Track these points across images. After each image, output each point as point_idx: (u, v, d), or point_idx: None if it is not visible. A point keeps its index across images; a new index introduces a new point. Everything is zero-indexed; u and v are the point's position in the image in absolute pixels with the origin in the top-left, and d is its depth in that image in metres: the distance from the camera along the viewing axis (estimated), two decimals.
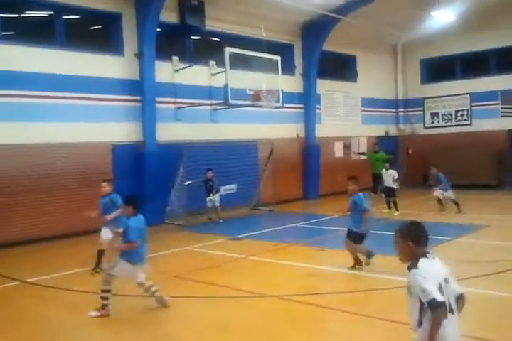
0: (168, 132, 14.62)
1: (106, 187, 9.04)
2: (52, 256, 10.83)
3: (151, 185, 13.90)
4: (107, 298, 6.73)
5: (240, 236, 12.11)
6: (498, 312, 6.53)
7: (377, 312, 6.56)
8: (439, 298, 3.25)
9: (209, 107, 15.92)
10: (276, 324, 6.46)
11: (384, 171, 15.27)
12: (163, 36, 14.92)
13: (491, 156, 20.94)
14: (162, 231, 13.33)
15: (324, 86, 20.43)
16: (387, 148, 21.26)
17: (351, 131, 21.67)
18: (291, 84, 18.63)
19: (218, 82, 15.08)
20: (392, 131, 24.22)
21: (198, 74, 15.73)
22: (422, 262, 3.47)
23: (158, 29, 14.37)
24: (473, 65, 22.64)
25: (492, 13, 20.08)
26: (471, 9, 19.23)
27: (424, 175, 22.40)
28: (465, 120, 22.64)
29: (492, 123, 21.56)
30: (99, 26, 14.68)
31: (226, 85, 13.99)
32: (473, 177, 20.48)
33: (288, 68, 18.32)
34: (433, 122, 23.60)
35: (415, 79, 24.32)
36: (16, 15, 12.98)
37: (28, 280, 8.64)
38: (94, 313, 6.69)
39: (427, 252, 3.59)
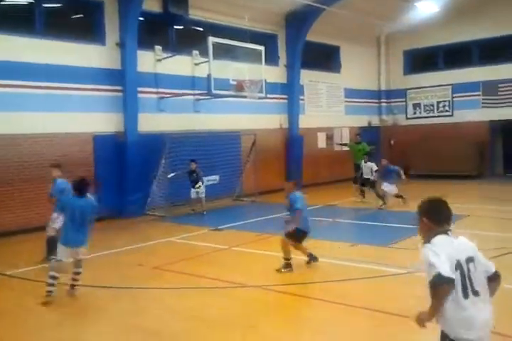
0: (151, 122, 14.53)
1: (54, 173, 9.05)
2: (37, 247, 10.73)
3: (133, 176, 13.85)
4: (52, 285, 6.88)
5: (222, 227, 12.11)
6: None
7: (358, 302, 6.65)
8: (446, 273, 3.08)
9: (192, 97, 15.84)
10: (258, 314, 6.52)
11: (363, 163, 15.38)
12: (146, 25, 14.77)
13: (472, 147, 21.20)
14: (143, 223, 13.32)
15: (308, 76, 20.43)
16: (370, 138, 21.36)
17: (334, 122, 21.74)
18: (275, 74, 18.60)
19: (201, 72, 15.01)
20: (375, 121, 24.36)
21: (180, 64, 15.62)
22: (437, 238, 3.34)
23: (140, 18, 14.21)
24: (456, 56, 22.84)
25: (474, 4, 20.25)
26: (454, 0, 19.34)
27: (405, 165, 22.65)
28: (447, 111, 22.86)
29: (473, 114, 21.79)
30: (81, 15, 14.48)
31: (209, 75, 13.92)
32: (454, 167, 20.75)
33: (271, 58, 18.27)
34: (415, 113, 23.79)
35: (398, 70, 24.43)
36: None
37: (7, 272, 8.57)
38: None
39: (448, 230, 3.45)
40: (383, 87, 24.71)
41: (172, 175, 14.04)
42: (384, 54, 24.56)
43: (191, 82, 15.80)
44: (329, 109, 21.80)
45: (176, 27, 16.27)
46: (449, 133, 21.77)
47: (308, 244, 9.92)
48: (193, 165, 14.20)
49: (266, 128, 18.23)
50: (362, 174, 15.46)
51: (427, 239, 3.37)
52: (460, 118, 22.16)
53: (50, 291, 6.87)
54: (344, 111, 22.52)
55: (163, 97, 15.11)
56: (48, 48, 12.70)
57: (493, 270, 3.43)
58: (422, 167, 21.74)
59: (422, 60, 24.05)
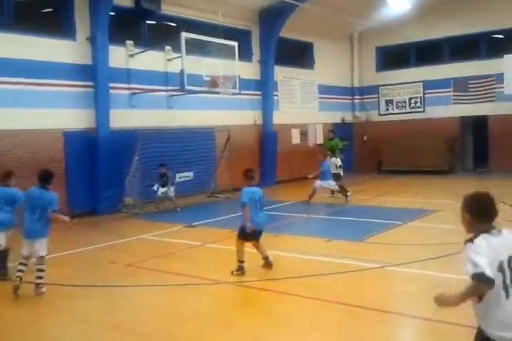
0: (123, 119, 14.33)
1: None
2: None
3: (105, 173, 13.65)
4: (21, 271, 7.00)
5: (196, 223, 12.01)
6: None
7: (333, 296, 6.69)
8: (488, 273, 2.98)
9: (165, 93, 15.69)
10: (233, 310, 6.52)
11: (328, 159, 15.47)
12: (117, 20, 14.51)
13: (443, 142, 21.51)
14: (116, 220, 13.15)
15: (282, 73, 20.44)
16: (343, 135, 21.57)
17: (308, 118, 21.82)
18: (249, 70, 18.55)
19: (174, 67, 14.87)
20: (348, 118, 24.52)
21: (153, 60, 15.45)
22: (480, 238, 3.19)
23: (111, 13, 14.00)
24: (427, 53, 23.12)
25: (446, 2, 20.50)
26: None
27: (378, 161, 22.94)
28: (418, 107, 23.14)
29: (444, 110, 22.11)
30: (50, 9, 14.18)
31: (182, 71, 13.80)
32: (426, 162, 21.06)
33: (245, 54, 18.21)
34: (387, 109, 24.02)
35: (371, 66, 24.62)
36: None
37: None
38: None
39: (493, 228, 3.28)
40: (356, 84, 24.88)
41: (155, 187, 13.99)
42: (357, 51, 24.71)
43: (164, 78, 15.65)
44: (303, 105, 21.86)
45: (148, 22, 16.06)
46: (421, 129, 22.05)
47: (282, 239, 9.99)
48: (163, 170, 13.99)
49: (240, 125, 18.17)
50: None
51: (471, 236, 3.25)
52: (431, 115, 22.47)
53: (17, 285, 6.86)
54: (318, 108, 22.60)
55: (135, 93, 14.93)
56: (16, 43, 12.40)
57: None
58: (395, 162, 22.01)
59: (394, 57, 24.27)
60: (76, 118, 13.58)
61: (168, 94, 15.76)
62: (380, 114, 24.29)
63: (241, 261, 7.79)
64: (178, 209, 14.10)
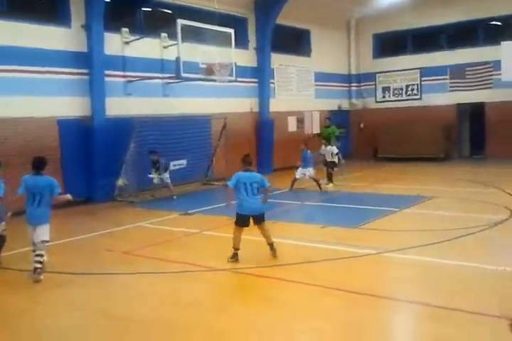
0: (118, 107, 14.26)
1: None
2: None
3: (101, 161, 13.58)
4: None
5: (192, 211, 12.00)
6: (446, 280, 6.79)
7: (330, 282, 6.73)
8: None
9: (160, 81, 15.60)
10: (230, 297, 6.56)
11: (323, 147, 15.47)
12: (113, 7, 14.37)
13: (439, 129, 21.52)
14: (112, 208, 13.13)
15: (278, 60, 20.34)
16: (340, 122, 21.52)
17: (305, 106, 21.75)
18: (245, 58, 18.45)
19: (170, 55, 14.78)
20: (345, 105, 24.46)
21: (148, 47, 15.34)
22: None
23: (107, 0, 13.87)
24: (424, 40, 23.01)
25: None
26: None
27: (374, 148, 22.95)
28: (415, 94, 23.09)
29: (441, 97, 22.09)
30: None
31: (178, 58, 13.73)
32: (422, 150, 21.08)
33: (241, 42, 18.11)
34: (384, 96, 23.96)
35: (368, 53, 24.52)
36: None
37: None
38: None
39: None
40: (353, 71, 24.78)
41: (151, 175, 13.91)
42: (354, 38, 24.58)
43: (160, 65, 15.56)
44: (299, 92, 21.78)
45: (143, 9, 15.94)
46: (418, 117, 22.05)
47: (278, 227, 10.01)
48: (155, 157, 13.87)
49: (236, 112, 18.11)
50: (325, 158, 15.48)
51: None
52: (428, 102, 22.44)
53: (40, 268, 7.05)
54: (314, 95, 22.53)
55: (131, 81, 14.85)
56: (11, 30, 12.29)
57: None
58: (391, 150, 22.02)
59: (391, 44, 24.16)
60: (71, 106, 13.51)
61: (164, 82, 15.68)
62: (376, 101, 24.24)
63: (235, 248, 7.79)
64: (175, 198, 14.09)
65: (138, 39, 14.89)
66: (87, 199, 13.47)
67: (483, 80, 21.09)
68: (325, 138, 16.62)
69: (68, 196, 7.46)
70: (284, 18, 19.39)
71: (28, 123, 12.58)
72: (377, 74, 24.05)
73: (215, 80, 15.13)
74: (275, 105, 19.86)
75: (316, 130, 21.17)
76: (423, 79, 22.78)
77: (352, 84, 24.78)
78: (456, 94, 21.80)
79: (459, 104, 21.86)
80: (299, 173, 14.69)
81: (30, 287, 6.96)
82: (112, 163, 13.61)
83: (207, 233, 9.96)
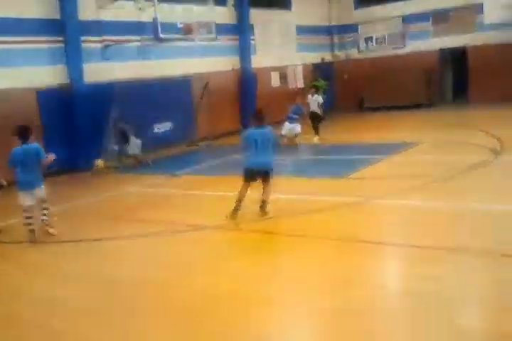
0: (97, 73, 14.03)
1: None
2: None
3: (83, 129, 13.42)
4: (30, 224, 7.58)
5: (179, 172, 11.98)
6: (433, 221, 6.97)
7: (324, 232, 6.89)
8: None
9: (139, 44, 15.29)
10: (224, 253, 6.60)
11: (309, 97, 15.32)
12: None
13: (423, 76, 21.48)
14: (97, 176, 12.87)
15: (258, 15, 19.93)
16: (324, 74, 21.40)
17: (287, 60, 21.51)
18: (224, 15, 18.13)
19: (147, 16, 14.45)
20: (328, 57, 24.22)
21: (124, 10, 14.92)
22: None
23: None
24: None
25: None
26: None
27: (360, 99, 22.91)
28: (398, 42, 22.84)
29: (424, 44, 21.91)
30: None
31: (155, 19, 13.49)
32: (407, 97, 21.09)
33: None
34: (367, 46, 23.70)
35: (348, 4, 24.07)
36: None
37: None
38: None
39: None
40: (334, 22, 24.42)
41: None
42: None
43: (137, 28, 15.20)
44: (281, 47, 21.46)
45: None
46: (401, 65, 21.89)
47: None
48: (121, 126, 13.49)
49: (218, 71, 17.93)
50: (309, 108, 15.34)
51: None
52: (411, 49, 22.25)
53: (32, 229, 7.54)
54: (296, 49, 22.25)
55: (108, 45, 14.58)
56: None
57: None
58: (376, 99, 21.99)
59: None
60: (49, 76, 13.23)
61: (142, 45, 15.39)
62: (359, 52, 24.01)
63: (238, 200, 7.72)
64: (150, 163, 13.67)
65: (113, 2, 14.52)
66: (71, 168, 13.26)
67: (466, 24, 20.87)
68: (312, 87, 16.45)
69: (52, 155, 7.69)
70: None
71: (5, 94, 12.34)
72: (359, 25, 23.70)
73: (194, 40, 14.92)
74: (257, 61, 19.66)
75: (301, 84, 21.03)
76: (405, 26, 22.45)
77: (334, 36, 24.47)
78: (439, 39, 21.61)
79: (441, 50, 21.70)
80: (285, 129, 14.61)
81: (18, 259, 7.07)
82: (94, 130, 13.47)
83: (195, 193, 10.05)
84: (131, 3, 15.10)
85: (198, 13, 14.65)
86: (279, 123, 15.09)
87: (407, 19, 22.35)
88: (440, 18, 21.43)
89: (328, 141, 14.83)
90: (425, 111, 20.10)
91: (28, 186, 7.57)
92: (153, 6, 13.48)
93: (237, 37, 19.05)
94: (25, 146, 7.52)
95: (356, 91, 22.92)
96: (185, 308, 5.00)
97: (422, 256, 5.81)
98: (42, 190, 7.73)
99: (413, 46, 22.24)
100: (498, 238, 6.04)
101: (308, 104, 15.23)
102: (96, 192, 10.83)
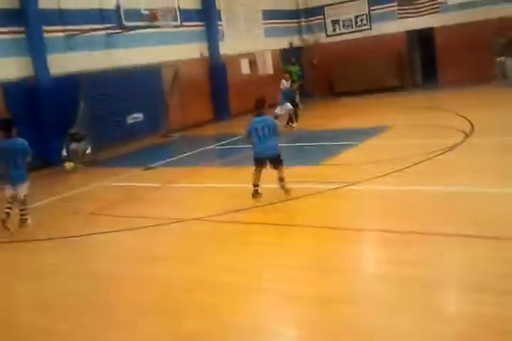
0: (62, 64, 13.55)
1: None
2: None
3: (51, 124, 12.98)
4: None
5: (153, 165, 11.79)
6: (408, 205, 7.03)
7: (301, 220, 6.94)
8: None
9: (103, 32, 14.91)
10: (205, 245, 6.47)
11: (284, 82, 15.22)
12: None
13: (392, 59, 21.55)
14: (68, 171, 12.53)
15: (223, 0, 19.63)
16: (293, 59, 21.25)
17: (256, 46, 21.20)
18: (189, 0, 17.76)
19: (110, 3, 14.07)
20: (296, 42, 24.06)
21: None
22: None
23: None
24: None
25: None
26: None
27: (330, 84, 22.89)
28: (365, 25, 22.83)
29: (391, 25, 21.93)
30: None
31: (118, 6, 13.15)
32: (376, 81, 21.12)
33: None
34: (334, 30, 23.61)
35: None
36: None
37: None
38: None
39: None
40: (301, 6, 24.23)
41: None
42: None
43: (100, 16, 14.80)
44: (249, 33, 21.19)
45: None
46: (369, 48, 21.89)
47: (241, 172, 10.03)
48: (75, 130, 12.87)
49: (186, 58, 17.60)
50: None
51: None
52: (378, 31, 22.26)
53: (8, 213, 7.52)
54: (264, 34, 22.01)
55: (71, 35, 14.12)
56: None
57: None
58: (347, 84, 21.97)
59: None
60: (12, 68, 12.78)
61: (106, 33, 14.98)
62: (327, 36, 23.91)
63: (254, 185, 8.02)
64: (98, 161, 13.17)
65: None
66: (41, 164, 12.87)
67: (431, 5, 20.95)
68: (288, 72, 16.36)
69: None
70: None
71: None
72: (326, 7, 23.58)
73: (159, 27, 14.60)
74: (225, 48, 19.37)
75: (270, 70, 20.84)
76: (371, 8, 22.48)
77: (301, 20, 24.29)
78: (406, 21, 21.66)
79: (408, 32, 21.77)
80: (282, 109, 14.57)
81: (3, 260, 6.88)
82: (62, 123, 13.04)
83: (171, 185, 9.91)
84: None
85: None
86: (252, 112, 14.92)
87: (372, 1, 22.32)
88: None
89: (301, 127, 14.78)
90: (396, 95, 20.18)
91: (14, 180, 7.62)
92: None
93: (203, 23, 18.71)
94: (10, 141, 7.54)
95: (326, 76, 22.87)
96: (169, 300, 4.98)
97: (399, 240, 5.84)
98: (23, 188, 7.74)
99: (380, 28, 22.22)
100: (474, 220, 6.08)
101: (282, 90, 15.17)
102: (68, 187, 10.57)
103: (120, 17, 13.21)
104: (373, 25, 22.55)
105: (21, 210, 7.87)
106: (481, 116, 12.29)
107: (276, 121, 8.42)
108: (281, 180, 8.03)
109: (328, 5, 23.49)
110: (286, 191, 8.00)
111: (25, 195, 7.80)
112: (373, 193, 7.83)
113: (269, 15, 22.13)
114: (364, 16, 22.75)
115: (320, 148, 11.94)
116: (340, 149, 11.07)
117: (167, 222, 7.48)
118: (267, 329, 4.39)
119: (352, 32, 23.11)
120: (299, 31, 24.28)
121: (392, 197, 7.51)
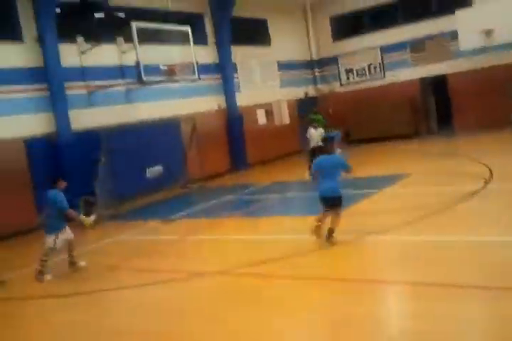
0: (83, 119, 13.93)
1: None
2: None
3: (74, 180, 13.12)
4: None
5: (173, 217, 11.81)
6: (430, 256, 6.88)
7: (317, 273, 6.83)
8: None
9: (123, 88, 15.37)
10: (223, 300, 6.42)
11: (312, 130, 15.17)
12: (64, 17, 14.06)
13: (406, 106, 21.69)
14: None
15: (239, 53, 20.17)
16: (309, 109, 21.53)
17: (271, 97, 21.55)
18: (206, 54, 18.31)
19: (129, 59, 14.56)
20: (311, 91, 24.47)
21: (106, 54, 15.04)
22: None
23: (57, 10, 13.55)
24: (381, 17, 23.05)
25: None
26: None
27: (345, 132, 23.01)
28: (378, 73, 23.18)
29: (404, 73, 22.23)
30: None
31: (138, 62, 13.57)
32: (392, 128, 21.21)
33: (200, 38, 17.90)
34: (348, 78, 24.01)
35: (327, 37, 24.48)
36: None
37: None
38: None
39: None
40: (314, 56, 24.79)
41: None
42: (311, 22, 24.51)
43: (120, 72, 15.31)
44: (264, 84, 21.63)
45: (96, 15, 15.59)
46: (384, 95, 22.14)
47: (262, 222, 9.98)
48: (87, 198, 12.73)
49: (204, 111, 17.96)
50: (310, 143, 15.17)
51: None
52: (392, 79, 22.57)
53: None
54: (280, 85, 22.48)
55: (92, 91, 14.58)
56: None
57: None
58: (362, 131, 22.10)
59: (348, 25, 24.14)
60: (35, 124, 13.09)
61: (126, 88, 15.44)
62: (341, 85, 24.30)
63: (318, 220, 8.07)
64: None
65: (94, 47, 14.60)
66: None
67: (443, 51, 21.29)
68: (313, 121, 16.43)
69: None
70: (240, 10, 19.27)
71: None
72: (339, 57, 24.10)
73: (177, 81, 14.99)
74: (242, 99, 19.76)
75: (286, 120, 21.08)
76: (384, 56, 22.90)
77: (315, 70, 24.79)
78: (419, 68, 21.95)
79: (421, 78, 22.03)
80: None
81: (15, 316, 6.83)
82: (84, 178, 13.10)
83: (190, 238, 9.85)
84: (113, 46, 15.27)
85: (180, 53, 14.78)
86: (271, 161, 15.06)
87: (384, 49, 22.78)
88: (417, 46, 21.88)
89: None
90: (412, 142, 20.17)
91: (46, 230, 8.27)
92: (135, 48, 13.54)
93: (220, 76, 19.19)
94: (50, 191, 8.28)
95: (341, 124, 22.99)
96: None
97: (419, 293, 5.72)
98: (47, 238, 8.13)
99: (393, 76, 22.53)
100: (495, 271, 5.93)
101: (308, 139, 15.17)
102: (88, 241, 10.57)
103: (140, 72, 13.59)
104: (387, 73, 22.90)
105: (40, 260, 8.15)
106: (498, 162, 12.22)
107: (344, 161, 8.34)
108: (330, 231, 7.89)
109: (341, 54, 23.99)
110: (331, 243, 7.85)
111: (48, 247, 8.12)
112: (391, 244, 7.73)
113: (284, 66, 22.66)
114: (377, 65, 23.15)
115: None
116: (358, 197, 10.99)
117: (186, 277, 7.39)
118: None
119: (366, 81, 23.47)
120: (314, 81, 24.73)
121: (410, 247, 7.39)
